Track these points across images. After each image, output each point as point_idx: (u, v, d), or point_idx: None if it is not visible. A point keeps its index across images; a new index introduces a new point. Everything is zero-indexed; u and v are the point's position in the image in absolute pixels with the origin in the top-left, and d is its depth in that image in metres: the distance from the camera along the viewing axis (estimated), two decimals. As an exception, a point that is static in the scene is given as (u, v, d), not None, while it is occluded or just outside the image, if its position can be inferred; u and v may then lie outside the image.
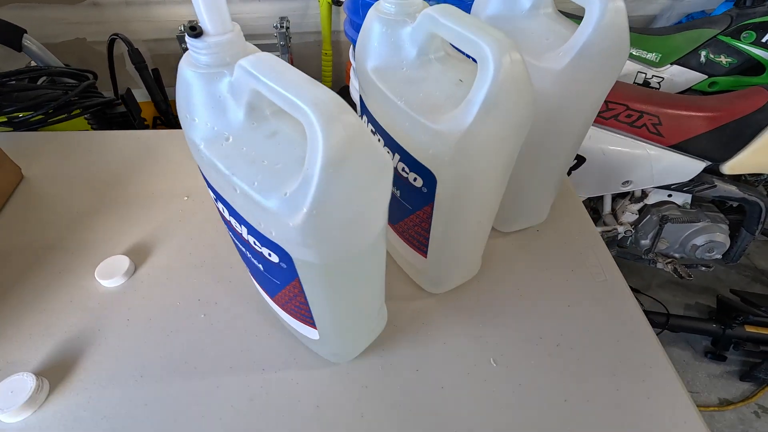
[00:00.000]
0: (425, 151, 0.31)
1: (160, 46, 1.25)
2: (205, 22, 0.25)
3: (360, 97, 0.39)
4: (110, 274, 0.46)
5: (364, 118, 0.38)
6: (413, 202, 0.37)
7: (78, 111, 0.76)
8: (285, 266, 0.27)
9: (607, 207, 1.17)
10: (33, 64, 0.88)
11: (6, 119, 0.73)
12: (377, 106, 0.35)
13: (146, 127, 0.96)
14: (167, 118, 1.00)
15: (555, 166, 0.44)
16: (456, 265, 0.43)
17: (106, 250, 0.49)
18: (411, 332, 0.43)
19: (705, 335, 1.18)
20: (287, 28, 1.10)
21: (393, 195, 0.40)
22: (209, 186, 0.30)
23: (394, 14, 0.32)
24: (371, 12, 0.34)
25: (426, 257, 0.41)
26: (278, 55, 1.15)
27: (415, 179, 0.34)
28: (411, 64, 0.33)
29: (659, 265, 1.17)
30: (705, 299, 1.32)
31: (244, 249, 0.32)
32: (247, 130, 0.26)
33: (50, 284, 0.46)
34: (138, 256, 0.49)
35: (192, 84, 0.26)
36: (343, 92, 1.37)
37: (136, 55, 0.90)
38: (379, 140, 0.37)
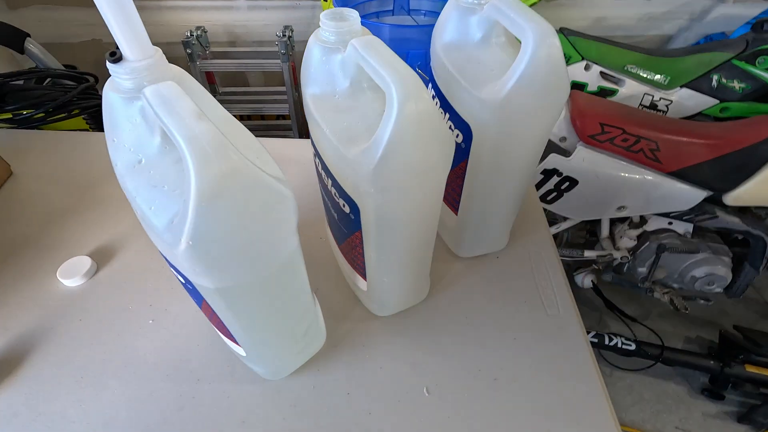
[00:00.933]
0: (346, 180, 0.31)
1: (170, 50, 1.29)
2: (123, 47, 0.26)
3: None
4: (71, 274, 0.48)
5: (311, 139, 0.39)
6: (347, 227, 0.37)
7: (77, 111, 0.79)
8: (190, 287, 0.28)
9: (605, 231, 1.14)
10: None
11: (11, 116, 0.78)
12: (314, 132, 0.35)
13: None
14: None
15: (506, 194, 0.43)
16: (395, 291, 0.42)
17: (73, 251, 0.51)
18: (349, 353, 0.43)
19: (702, 371, 1.13)
20: (290, 36, 1.12)
21: (333, 216, 0.40)
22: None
23: (333, 42, 0.33)
24: (311, 38, 0.34)
25: (365, 279, 0.41)
26: (279, 63, 1.17)
27: (344, 205, 0.34)
28: (343, 92, 0.33)
29: (656, 295, 1.13)
30: (707, 333, 1.27)
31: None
32: (159, 153, 0.27)
33: (15, 280, 0.49)
34: (102, 257, 0.51)
35: (113, 106, 0.27)
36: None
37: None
38: (318, 164, 0.37)
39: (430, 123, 0.27)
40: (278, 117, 1.40)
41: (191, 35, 1.11)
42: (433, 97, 0.43)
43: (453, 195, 0.46)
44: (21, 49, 0.68)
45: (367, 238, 0.35)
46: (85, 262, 0.49)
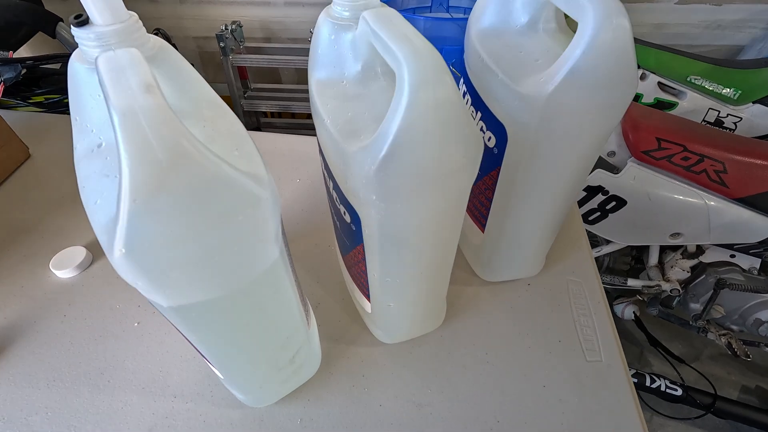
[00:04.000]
0: (345, 183, 0.26)
1: (208, 44, 1.30)
2: (91, 9, 0.22)
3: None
4: (64, 265, 0.45)
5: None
6: (349, 238, 0.31)
7: (104, 98, 0.79)
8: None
9: (654, 258, 1.02)
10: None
11: (43, 99, 0.78)
12: (316, 124, 0.30)
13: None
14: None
15: (545, 212, 0.36)
16: (403, 317, 0.36)
17: (72, 240, 0.49)
18: (346, 384, 0.37)
19: (759, 429, 0.98)
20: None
21: (336, 225, 0.35)
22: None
23: (346, 18, 0.28)
24: (322, 15, 0.29)
25: (369, 301, 0.35)
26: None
27: (344, 213, 0.29)
28: (353, 77, 0.28)
29: (710, 336, 0.99)
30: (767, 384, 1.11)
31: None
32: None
33: (11, 268, 0.47)
34: (98, 248, 0.48)
35: (78, 79, 0.23)
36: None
37: (172, 50, 0.93)
38: (321, 162, 0.32)
39: (451, 115, 0.21)
40: (308, 116, 1.37)
41: (225, 29, 1.10)
42: (464, 95, 0.37)
43: (480, 208, 0.39)
44: (53, 34, 0.69)
45: (369, 254, 0.29)
46: (79, 253, 0.46)
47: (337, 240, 0.40)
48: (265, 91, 1.28)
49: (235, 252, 0.20)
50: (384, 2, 0.80)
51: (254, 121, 1.34)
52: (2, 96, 0.71)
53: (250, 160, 0.22)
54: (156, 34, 0.97)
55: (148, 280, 0.19)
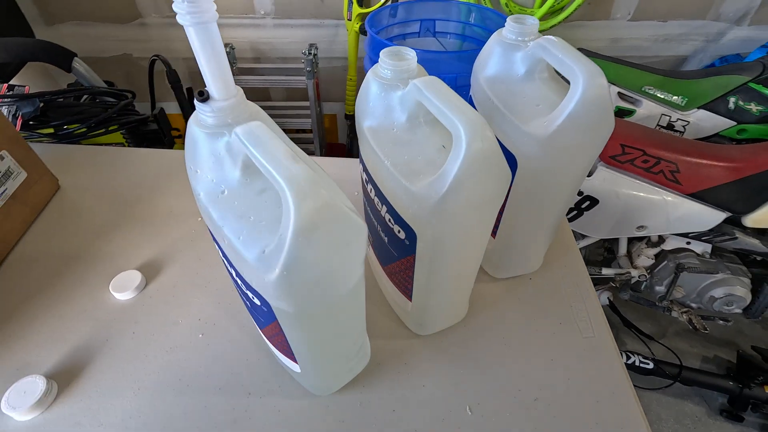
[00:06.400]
0: (407, 210, 0.33)
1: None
2: (211, 88, 0.28)
3: (359, 147, 0.42)
4: (123, 288, 0.50)
5: (361, 166, 0.41)
6: (398, 251, 0.39)
7: (115, 126, 0.83)
8: (265, 309, 0.30)
9: (623, 249, 1.14)
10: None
11: (53, 130, 0.81)
12: (370, 161, 0.37)
13: (174, 141, 1.03)
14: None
15: (546, 219, 0.45)
16: (439, 311, 0.44)
17: (121, 264, 0.54)
18: (392, 371, 0.44)
19: (721, 392, 1.12)
20: (315, 54, 1.16)
21: (382, 239, 0.42)
22: (209, 228, 0.33)
23: (390, 79, 0.35)
24: (369, 74, 0.37)
25: (411, 301, 0.43)
26: (305, 80, 1.21)
27: (399, 231, 0.36)
28: (401, 125, 0.35)
29: (674, 314, 1.13)
30: (725, 353, 1.26)
31: (235, 285, 0.35)
32: (241, 185, 0.29)
33: (68, 292, 0.51)
34: (149, 271, 0.53)
35: (197, 140, 0.30)
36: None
37: (172, 75, 0.98)
38: (371, 190, 0.39)
39: (493, 160, 0.29)
40: (298, 131, 1.43)
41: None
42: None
43: (492, 219, 0.47)
44: (69, 69, 0.72)
45: (420, 262, 0.36)
46: (135, 277, 0.51)
47: (375, 252, 0.47)
48: (256, 109, 1.33)
49: (345, 269, 0.27)
50: (375, 30, 0.90)
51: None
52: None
53: (344, 198, 0.29)
54: (155, 59, 1.00)
55: (290, 293, 0.26)
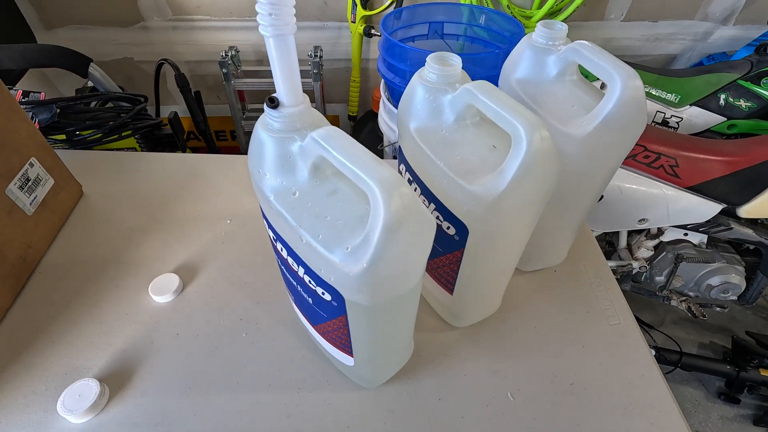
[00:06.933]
0: (461, 207, 0.35)
1: (200, 68, 1.33)
2: (282, 96, 0.30)
3: (399, 147, 0.43)
4: (162, 291, 0.51)
5: (402, 166, 0.43)
6: (444, 246, 0.41)
7: (129, 132, 0.83)
8: (336, 304, 0.31)
9: (623, 242, 1.19)
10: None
11: (65, 137, 0.81)
12: (417, 162, 0.39)
13: (187, 144, 1.03)
14: (205, 137, 1.07)
15: (576, 215, 0.48)
16: (479, 303, 0.46)
17: (157, 268, 0.54)
18: (434, 362, 0.46)
19: (719, 376, 1.17)
20: (320, 56, 1.17)
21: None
22: (270, 227, 0.35)
23: (436, 83, 0.37)
24: (415, 77, 0.39)
25: (452, 294, 0.45)
26: (310, 82, 1.22)
27: (448, 227, 0.38)
28: (449, 127, 0.37)
29: (673, 303, 1.18)
30: (719, 339, 1.32)
31: (295, 283, 0.36)
32: (311, 187, 0.31)
33: (107, 297, 0.51)
34: (186, 274, 0.54)
35: (265, 144, 0.31)
36: (368, 116, 1.43)
37: (181, 79, 0.98)
38: (415, 189, 0.41)
39: (550, 158, 0.31)
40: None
41: (226, 56, 1.15)
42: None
43: (522, 214, 0.50)
44: (85, 74, 0.71)
45: (468, 257, 0.38)
46: (173, 280, 0.52)
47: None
48: (260, 111, 1.34)
49: (418, 263, 0.29)
50: (388, 32, 0.91)
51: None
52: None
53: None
54: (163, 62, 1.00)
55: (372, 286, 0.27)
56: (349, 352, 0.38)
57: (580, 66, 0.41)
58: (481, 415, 0.42)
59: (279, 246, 0.35)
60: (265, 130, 0.31)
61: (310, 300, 0.35)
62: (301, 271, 0.33)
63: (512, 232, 0.36)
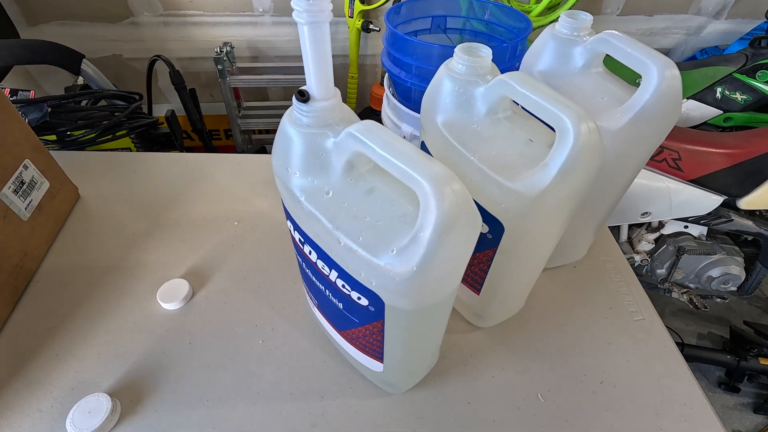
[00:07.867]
0: (497, 205, 0.34)
1: (193, 64, 1.29)
2: (313, 89, 0.28)
3: (422, 142, 0.41)
4: (171, 298, 0.49)
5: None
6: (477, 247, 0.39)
7: (124, 131, 0.79)
8: (373, 309, 0.30)
9: (624, 235, 1.19)
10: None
11: (56, 137, 0.77)
12: (444, 157, 0.37)
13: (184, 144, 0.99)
14: (201, 136, 1.04)
15: (602, 210, 0.47)
16: (505, 303, 0.45)
17: (164, 273, 0.52)
18: (460, 365, 0.45)
19: (719, 366, 1.19)
20: (318, 52, 1.14)
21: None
22: (297, 229, 0.33)
23: (465, 74, 0.35)
24: (442, 69, 0.37)
25: (479, 294, 0.43)
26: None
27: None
28: (481, 120, 0.36)
29: (674, 295, 1.18)
30: (718, 329, 1.34)
31: (323, 287, 0.34)
32: (345, 185, 0.29)
33: (112, 305, 0.49)
34: (195, 280, 0.52)
35: (294, 141, 0.29)
36: (367, 113, 1.41)
37: (177, 77, 0.94)
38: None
39: (596, 151, 0.30)
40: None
41: (221, 52, 1.11)
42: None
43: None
44: (78, 71, 0.68)
45: (501, 255, 0.37)
46: (182, 285, 0.50)
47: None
48: (256, 109, 1.30)
49: (463, 264, 0.28)
50: (391, 26, 0.88)
51: (248, 139, 1.35)
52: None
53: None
54: (156, 59, 0.97)
55: (418, 290, 0.26)
56: (379, 359, 0.36)
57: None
58: (512, 418, 0.41)
59: (307, 249, 0.33)
60: (294, 125, 0.29)
61: (340, 305, 0.34)
62: (333, 275, 0.31)
63: (550, 230, 0.34)
